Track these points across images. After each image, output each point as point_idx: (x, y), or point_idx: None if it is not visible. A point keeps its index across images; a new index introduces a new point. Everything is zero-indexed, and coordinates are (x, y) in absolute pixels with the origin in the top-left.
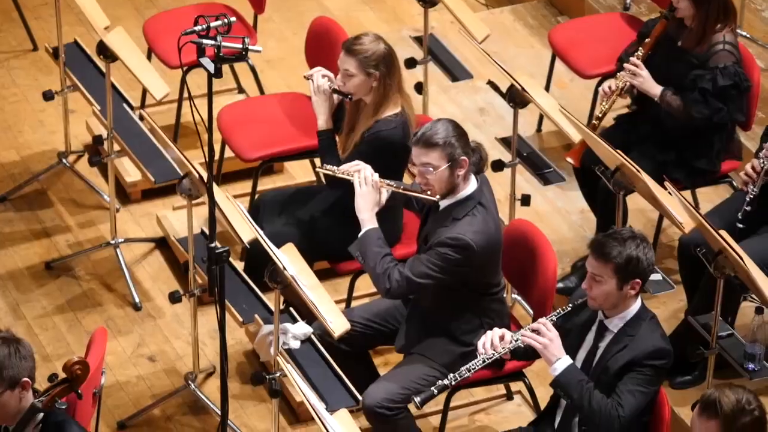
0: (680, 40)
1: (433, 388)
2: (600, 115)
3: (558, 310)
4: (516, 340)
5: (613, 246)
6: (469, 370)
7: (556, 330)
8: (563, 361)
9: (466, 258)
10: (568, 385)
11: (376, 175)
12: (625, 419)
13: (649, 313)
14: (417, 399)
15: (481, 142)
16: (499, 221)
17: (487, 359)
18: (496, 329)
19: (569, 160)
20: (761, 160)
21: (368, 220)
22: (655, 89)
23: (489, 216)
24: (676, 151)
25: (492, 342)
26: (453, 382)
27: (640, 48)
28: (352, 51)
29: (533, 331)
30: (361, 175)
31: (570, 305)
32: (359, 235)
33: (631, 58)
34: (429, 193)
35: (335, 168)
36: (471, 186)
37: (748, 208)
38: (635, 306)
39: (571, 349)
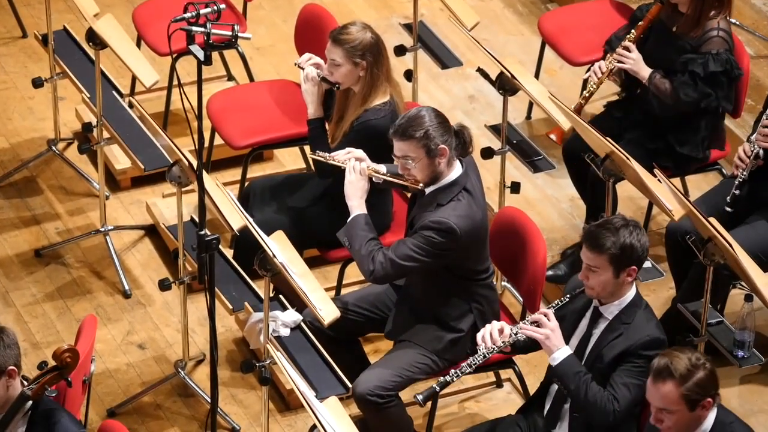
0: (675, 26)
1: (434, 385)
2: (587, 95)
3: (556, 302)
4: (515, 333)
5: (607, 236)
6: (470, 366)
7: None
8: (563, 351)
9: (450, 241)
10: (566, 376)
11: (366, 162)
12: (619, 413)
13: (644, 301)
14: (419, 397)
15: (467, 126)
16: (486, 207)
17: (488, 354)
18: (494, 322)
19: (552, 137)
20: (752, 144)
21: (357, 207)
22: (644, 72)
23: (474, 201)
24: (666, 138)
25: (491, 335)
26: (454, 378)
27: (633, 30)
28: (338, 40)
29: (533, 322)
30: (351, 163)
31: (568, 296)
32: (348, 220)
33: (624, 42)
34: (413, 182)
35: (326, 154)
36: (456, 171)
37: (737, 192)
38: (631, 293)
39: (565, 335)
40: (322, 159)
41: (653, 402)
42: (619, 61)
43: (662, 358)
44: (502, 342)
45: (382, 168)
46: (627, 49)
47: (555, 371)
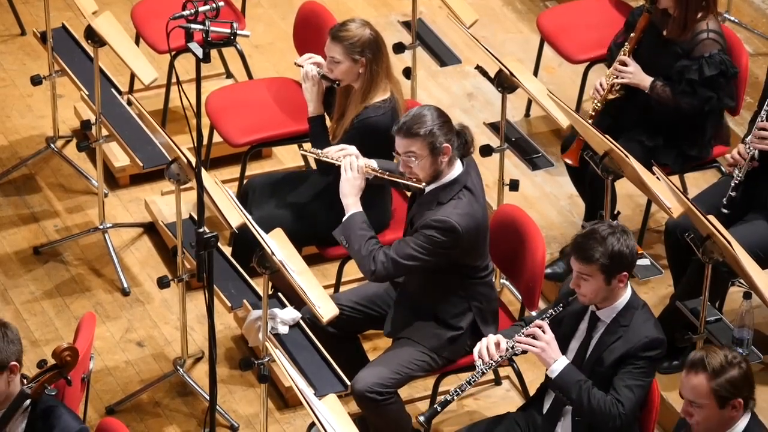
0: (665, 29)
1: (436, 405)
2: (593, 113)
3: (549, 312)
4: (512, 347)
5: (595, 247)
6: (469, 383)
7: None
8: (560, 362)
9: (452, 240)
10: (567, 386)
11: (362, 160)
12: (625, 416)
13: (640, 301)
14: (421, 418)
15: (468, 126)
16: (486, 205)
17: (486, 370)
18: (491, 336)
19: (567, 161)
20: (747, 146)
21: (352, 205)
22: (645, 82)
23: (475, 199)
24: (665, 136)
25: (488, 350)
26: (455, 396)
27: (626, 43)
28: (337, 38)
29: (528, 335)
30: (347, 161)
31: (561, 305)
32: (344, 219)
33: (619, 56)
34: (414, 180)
35: (319, 151)
36: (456, 170)
37: (733, 194)
38: (626, 295)
39: (564, 339)
40: (314, 155)
41: (684, 394)
42: (617, 77)
43: (699, 351)
44: (499, 356)
45: (374, 163)
46: (623, 63)
47: (555, 383)
